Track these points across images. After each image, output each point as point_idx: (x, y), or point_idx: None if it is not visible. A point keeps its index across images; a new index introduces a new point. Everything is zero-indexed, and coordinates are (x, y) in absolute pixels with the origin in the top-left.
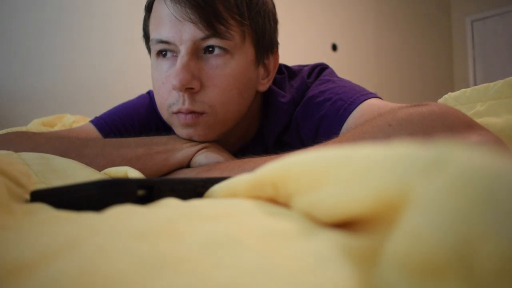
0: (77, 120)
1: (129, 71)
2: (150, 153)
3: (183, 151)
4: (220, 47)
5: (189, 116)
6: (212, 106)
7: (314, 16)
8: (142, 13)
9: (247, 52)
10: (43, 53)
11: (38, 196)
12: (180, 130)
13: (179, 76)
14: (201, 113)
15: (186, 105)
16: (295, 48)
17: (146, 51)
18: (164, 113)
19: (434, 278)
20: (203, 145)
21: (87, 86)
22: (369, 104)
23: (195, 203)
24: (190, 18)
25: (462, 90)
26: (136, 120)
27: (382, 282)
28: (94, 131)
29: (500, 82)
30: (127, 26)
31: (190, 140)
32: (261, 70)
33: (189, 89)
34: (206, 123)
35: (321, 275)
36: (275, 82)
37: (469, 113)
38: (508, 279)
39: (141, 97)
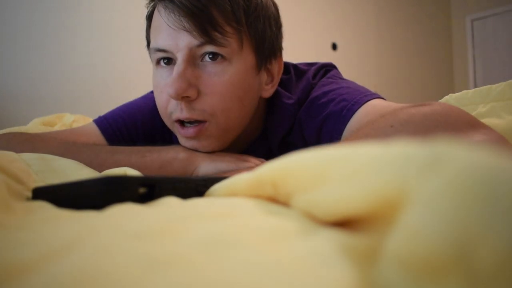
0: (77, 119)
1: (129, 70)
2: (144, 160)
3: (181, 162)
4: (216, 54)
5: (191, 130)
6: (212, 114)
7: (314, 15)
8: (143, 13)
9: (246, 58)
10: (43, 53)
11: (40, 193)
12: (183, 141)
13: (174, 85)
14: (203, 122)
15: (184, 113)
16: (295, 47)
17: (146, 51)
18: (167, 121)
19: (434, 276)
20: (203, 154)
21: (87, 85)
22: (373, 105)
23: (195, 202)
24: (184, 27)
25: (464, 91)
26: (139, 122)
27: (381, 280)
28: (96, 132)
29: (502, 84)
30: (128, 26)
31: (185, 148)
32: (264, 76)
33: (186, 98)
34: (209, 133)
35: (321, 273)
36: (281, 83)
37: (471, 114)
38: (507, 277)
39: (146, 98)
